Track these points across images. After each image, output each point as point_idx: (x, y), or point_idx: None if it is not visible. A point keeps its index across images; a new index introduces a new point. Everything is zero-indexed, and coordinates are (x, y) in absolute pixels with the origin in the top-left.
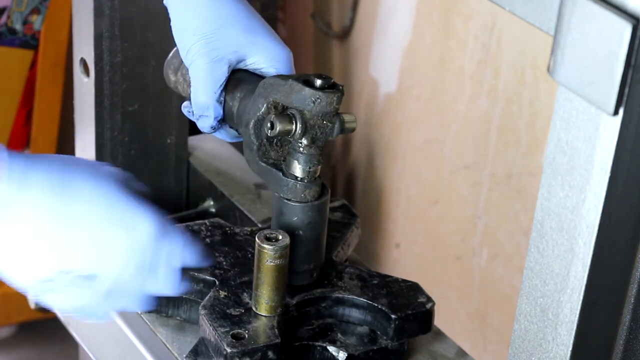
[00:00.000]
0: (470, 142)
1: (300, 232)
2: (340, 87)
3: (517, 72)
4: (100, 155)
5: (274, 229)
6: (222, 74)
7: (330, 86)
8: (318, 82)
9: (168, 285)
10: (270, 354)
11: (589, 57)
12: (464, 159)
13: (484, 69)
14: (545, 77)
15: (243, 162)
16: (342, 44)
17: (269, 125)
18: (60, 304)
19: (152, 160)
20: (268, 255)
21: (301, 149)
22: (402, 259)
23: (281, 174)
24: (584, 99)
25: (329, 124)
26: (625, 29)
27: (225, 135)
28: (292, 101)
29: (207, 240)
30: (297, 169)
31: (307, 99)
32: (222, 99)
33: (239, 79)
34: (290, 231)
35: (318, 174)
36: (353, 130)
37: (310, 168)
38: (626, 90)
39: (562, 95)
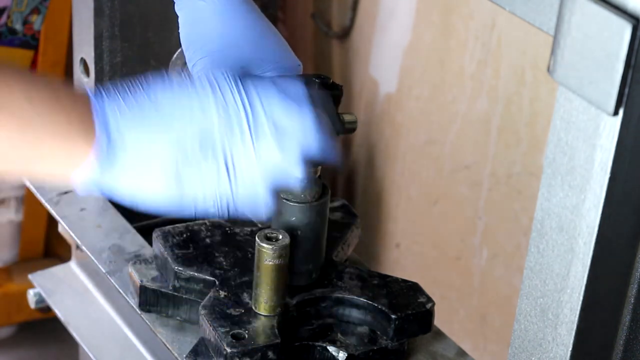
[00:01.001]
0: (470, 142)
1: (300, 232)
2: (339, 87)
3: (517, 72)
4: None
5: (274, 229)
6: None
7: (329, 86)
8: (316, 82)
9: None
10: (270, 354)
11: (589, 57)
12: (464, 159)
13: (484, 69)
14: (545, 77)
15: None
16: (342, 44)
17: None
18: (198, 190)
19: None
20: (268, 255)
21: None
22: (402, 259)
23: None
24: (584, 99)
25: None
26: (625, 29)
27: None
28: None
29: (207, 240)
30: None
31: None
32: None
33: None
34: (290, 231)
35: (318, 174)
36: (354, 130)
37: (309, 168)
38: (626, 90)
39: (562, 95)
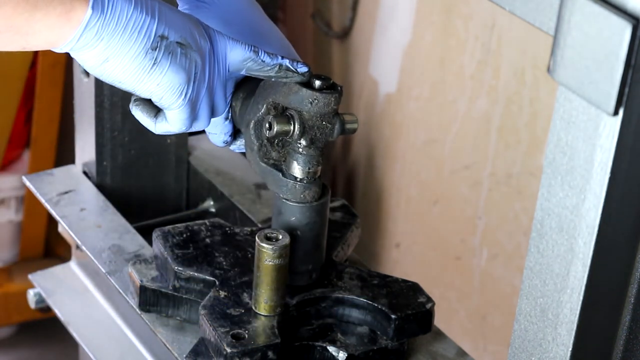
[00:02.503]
0: (470, 142)
1: (300, 232)
2: (339, 88)
3: (517, 72)
4: (100, 155)
5: (274, 229)
6: (228, 90)
7: (329, 87)
8: (317, 82)
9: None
10: (270, 354)
11: (589, 57)
12: (464, 159)
13: (484, 69)
14: (545, 77)
15: (243, 162)
16: (342, 44)
17: (267, 125)
18: (168, 80)
19: (152, 160)
20: (268, 255)
21: (300, 149)
22: (402, 259)
23: (281, 174)
24: (584, 99)
25: (328, 124)
26: (625, 29)
27: (241, 148)
28: (290, 102)
29: (207, 240)
30: (297, 170)
31: (305, 100)
32: (229, 115)
33: (242, 80)
34: (290, 231)
35: (318, 174)
36: (354, 131)
37: (309, 169)
38: (626, 90)
39: (562, 95)
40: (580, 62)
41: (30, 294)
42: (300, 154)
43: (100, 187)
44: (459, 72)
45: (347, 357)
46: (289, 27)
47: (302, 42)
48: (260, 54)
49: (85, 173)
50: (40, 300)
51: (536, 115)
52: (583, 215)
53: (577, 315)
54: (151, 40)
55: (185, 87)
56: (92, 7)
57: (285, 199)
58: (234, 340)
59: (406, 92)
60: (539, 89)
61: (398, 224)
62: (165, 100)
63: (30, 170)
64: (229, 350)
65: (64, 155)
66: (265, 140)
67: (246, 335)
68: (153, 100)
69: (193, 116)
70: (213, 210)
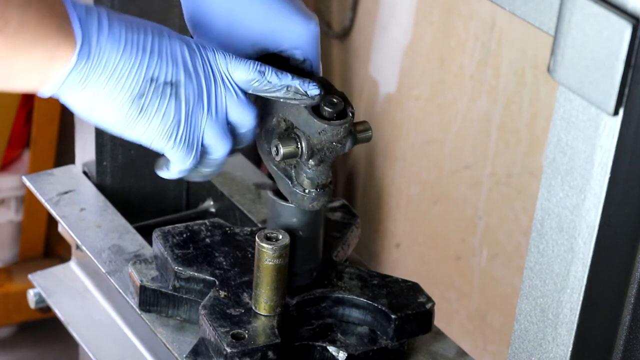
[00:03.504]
0: (470, 142)
1: (300, 232)
2: (350, 114)
3: (517, 72)
4: (100, 155)
5: (274, 229)
6: (246, 109)
7: (339, 114)
8: (326, 110)
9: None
10: (270, 354)
11: (589, 57)
12: (464, 159)
13: (484, 69)
14: (545, 77)
15: (243, 162)
16: (342, 44)
17: (274, 149)
18: (155, 127)
19: (152, 160)
20: (267, 255)
21: (308, 168)
22: (402, 259)
23: (290, 182)
24: (584, 99)
25: (338, 144)
26: (625, 29)
27: None
28: (299, 125)
29: (207, 240)
30: (305, 182)
31: (313, 129)
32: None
33: None
34: (290, 232)
35: (329, 184)
36: (369, 139)
37: (318, 183)
38: (626, 90)
39: (562, 95)
40: (580, 62)
41: (30, 294)
42: (310, 169)
43: (100, 187)
44: (459, 72)
45: (347, 357)
46: None
47: None
48: (267, 73)
49: (85, 173)
50: (40, 300)
51: (536, 115)
52: (583, 215)
53: (577, 315)
54: (139, 87)
55: (175, 129)
56: (78, 54)
57: (285, 200)
58: (234, 340)
59: (406, 92)
60: (539, 89)
61: (398, 224)
62: (155, 145)
63: (30, 170)
64: (229, 350)
65: (64, 155)
66: None
67: (246, 335)
68: (143, 144)
69: (194, 154)
70: (213, 210)
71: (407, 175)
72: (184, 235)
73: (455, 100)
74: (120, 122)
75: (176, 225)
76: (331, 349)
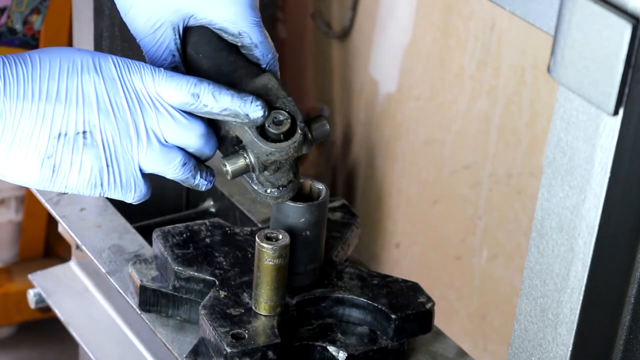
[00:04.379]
0: (470, 142)
1: (300, 232)
2: (299, 130)
3: (517, 72)
4: None
5: (273, 229)
6: (167, 38)
7: (288, 132)
8: (272, 132)
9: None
10: (270, 354)
11: (589, 57)
12: (464, 159)
13: (484, 69)
14: (545, 77)
15: None
16: (342, 44)
17: (223, 168)
18: (75, 182)
19: None
20: (267, 255)
21: (263, 177)
22: (402, 259)
23: (251, 181)
24: (584, 99)
25: (293, 154)
26: (625, 29)
27: None
28: (247, 143)
29: (207, 240)
30: (266, 184)
31: (260, 151)
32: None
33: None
34: (290, 231)
35: (292, 179)
36: (327, 134)
37: (280, 184)
38: (626, 90)
39: (562, 95)
40: (580, 62)
41: (30, 294)
42: (265, 178)
43: None
44: (459, 72)
45: (347, 357)
46: (289, 27)
47: (302, 42)
48: (202, 94)
49: None
50: (40, 300)
51: (536, 115)
52: (583, 215)
53: (577, 315)
54: (45, 148)
55: (99, 177)
56: None
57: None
58: (234, 340)
59: (406, 92)
60: (539, 89)
61: (398, 224)
62: (85, 194)
63: None
64: (229, 350)
65: None
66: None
67: (246, 335)
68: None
69: (134, 189)
70: (213, 210)
71: (407, 175)
72: (184, 235)
73: (455, 100)
74: (36, 184)
75: (176, 225)
76: (331, 349)
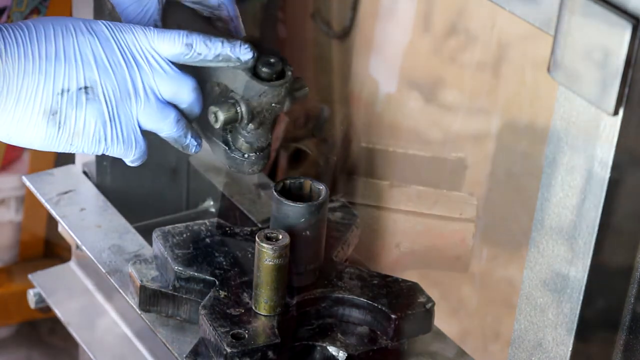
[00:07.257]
0: (470, 142)
1: (300, 232)
2: (289, 73)
3: (517, 72)
4: (100, 155)
5: (273, 229)
6: (152, 6)
7: (278, 74)
8: (264, 70)
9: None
10: (270, 354)
11: (589, 57)
12: (464, 158)
13: (484, 69)
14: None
15: None
16: (342, 44)
17: (212, 117)
18: (80, 138)
19: (152, 160)
20: (267, 255)
21: (246, 132)
22: (402, 259)
23: (227, 148)
24: (584, 99)
25: (277, 105)
26: (625, 29)
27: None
28: (236, 88)
29: (207, 240)
30: (244, 147)
31: (253, 91)
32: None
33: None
34: (290, 231)
35: (267, 144)
36: (306, 96)
37: (257, 146)
38: (626, 90)
39: (562, 95)
40: (580, 62)
41: (30, 294)
42: (248, 133)
43: (100, 187)
44: (459, 72)
45: (347, 357)
46: (289, 27)
47: (302, 42)
48: (195, 44)
49: (85, 173)
50: (40, 300)
51: (536, 115)
52: (583, 215)
53: (577, 315)
54: (50, 104)
55: (102, 132)
56: None
57: (284, 200)
58: (234, 340)
59: (406, 92)
60: (539, 89)
61: (398, 224)
62: (89, 151)
63: (30, 170)
64: (229, 350)
65: (64, 155)
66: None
67: (246, 335)
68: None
69: (134, 146)
70: (213, 210)
71: (407, 175)
72: (184, 235)
73: (455, 100)
74: (42, 142)
75: (176, 225)
76: (331, 349)
